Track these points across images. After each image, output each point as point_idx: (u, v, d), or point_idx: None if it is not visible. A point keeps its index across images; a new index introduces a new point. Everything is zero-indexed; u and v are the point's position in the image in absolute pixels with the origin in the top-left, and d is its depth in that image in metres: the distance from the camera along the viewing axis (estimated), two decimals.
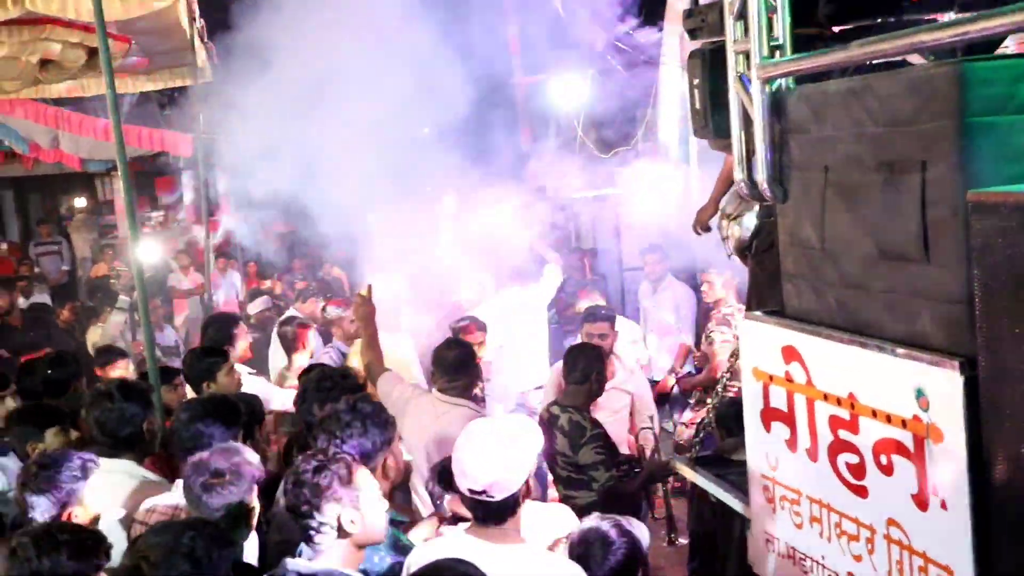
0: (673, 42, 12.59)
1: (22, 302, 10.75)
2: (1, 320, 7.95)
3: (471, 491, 2.79)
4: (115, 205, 16.31)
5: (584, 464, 4.93)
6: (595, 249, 13.52)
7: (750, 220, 3.96)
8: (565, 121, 15.93)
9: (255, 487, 3.11)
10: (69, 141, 12.99)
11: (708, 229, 4.87)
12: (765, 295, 3.77)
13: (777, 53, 3.21)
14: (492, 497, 2.77)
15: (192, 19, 8.81)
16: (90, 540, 2.63)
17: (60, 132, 12.76)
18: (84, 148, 13.24)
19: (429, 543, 2.97)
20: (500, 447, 2.81)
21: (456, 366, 4.61)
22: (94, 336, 7.18)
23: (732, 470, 3.94)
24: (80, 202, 17.03)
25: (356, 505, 2.76)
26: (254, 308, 8.87)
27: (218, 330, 5.72)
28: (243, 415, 3.79)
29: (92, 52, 9.74)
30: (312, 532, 2.72)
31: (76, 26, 8.70)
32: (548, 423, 5.01)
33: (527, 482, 2.86)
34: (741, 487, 3.66)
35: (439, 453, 3.99)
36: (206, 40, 9.72)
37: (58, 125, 12.55)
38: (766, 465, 3.36)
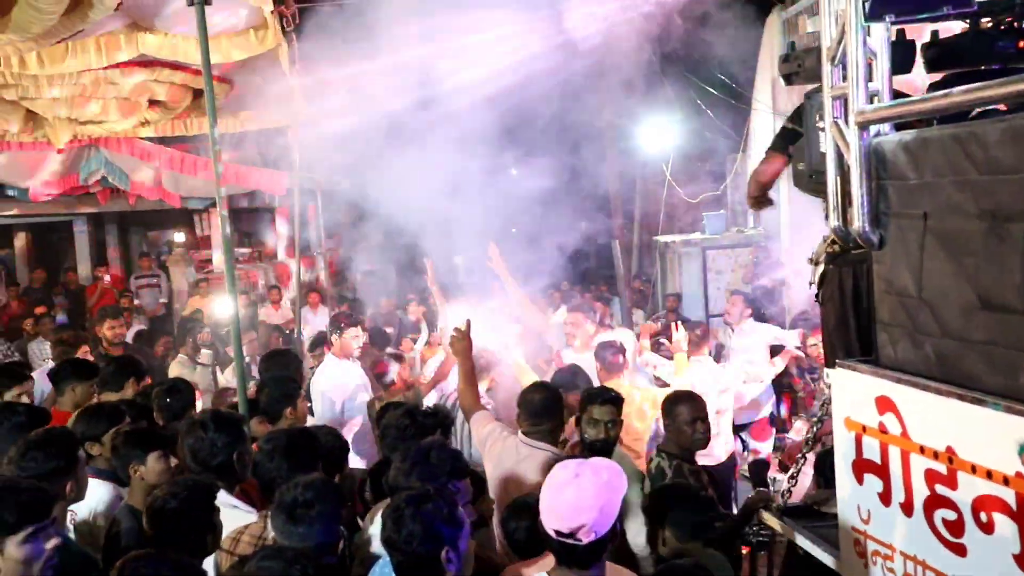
0: (765, 88, 12.54)
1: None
2: (106, 351, 8.21)
3: (558, 533, 2.73)
4: (212, 240, 16.85)
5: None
6: (679, 294, 13.40)
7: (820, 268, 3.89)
8: (654, 164, 15.94)
9: (339, 518, 3.16)
10: (170, 179, 13.51)
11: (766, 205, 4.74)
12: (835, 344, 3.70)
13: (875, 100, 3.17)
14: (579, 541, 2.70)
15: (292, 61, 9.11)
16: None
17: (162, 170, 13.29)
18: (183, 186, 13.75)
19: None
20: (593, 489, 2.73)
21: (541, 410, 4.58)
22: (177, 368, 7.40)
23: (823, 522, 3.84)
24: (179, 237, 17.62)
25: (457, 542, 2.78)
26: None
27: (284, 365, 5.83)
28: (325, 448, 3.85)
29: (196, 93, 10.20)
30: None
31: (182, 68, 9.11)
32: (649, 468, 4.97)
33: (615, 528, 2.78)
34: (831, 540, 3.56)
35: (516, 495, 3.97)
36: (304, 83, 10.03)
37: (160, 163, 13.07)
38: (858, 518, 3.27)
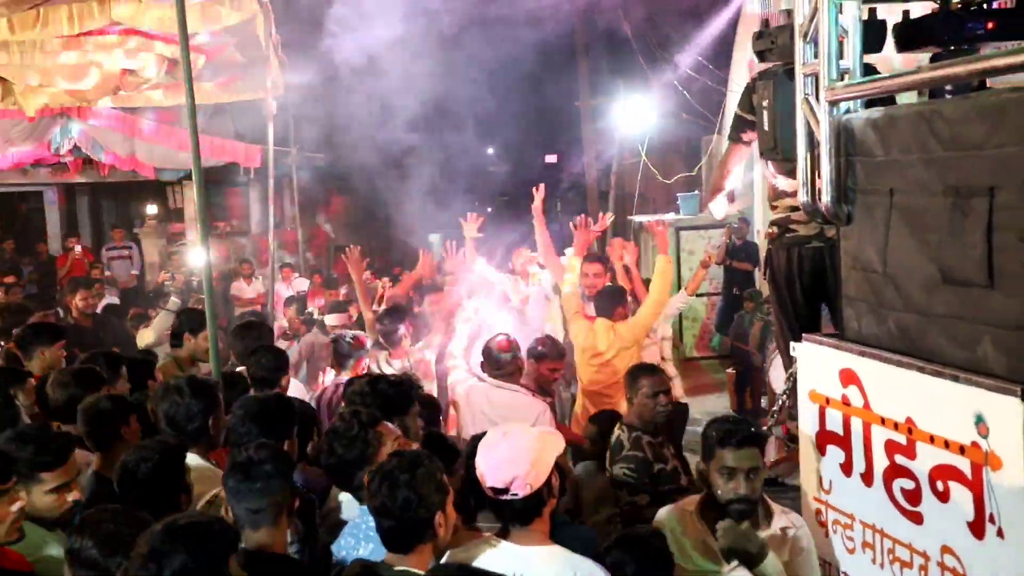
0: (741, 69, 12.59)
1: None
2: (76, 321, 8.14)
3: (494, 490, 2.80)
4: (184, 213, 16.71)
5: (616, 481, 4.90)
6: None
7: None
8: (629, 144, 15.97)
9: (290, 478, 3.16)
10: (144, 149, 13.38)
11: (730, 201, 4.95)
12: (780, 319, 3.86)
13: (846, 77, 3.22)
14: (516, 495, 2.77)
15: (269, 33, 9.03)
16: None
17: (136, 140, 13.16)
18: (158, 157, 13.62)
19: (453, 551, 2.96)
20: (524, 443, 2.84)
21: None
22: (144, 338, 7.34)
23: (786, 494, 3.91)
24: (151, 209, 17.47)
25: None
26: (330, 321, 8.94)
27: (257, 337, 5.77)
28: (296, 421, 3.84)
29: (171, 63, 10.09)
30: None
31: (157, 37, 9.00)
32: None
33: (551, 482, 2.85)
34: (797, 511, 3.63)
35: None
36: (280, 55, 9.95)
37: (135, 134, 12.94)
38: (819, 488, 3.35)
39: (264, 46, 9.10)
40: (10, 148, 12.93)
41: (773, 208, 4.36)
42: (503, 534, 2.86)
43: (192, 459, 3.48)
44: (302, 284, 13.26)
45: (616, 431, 4.99)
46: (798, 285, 4.11)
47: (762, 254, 12.36)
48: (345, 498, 3.49)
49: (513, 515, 2.83)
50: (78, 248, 15.68)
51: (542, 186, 7.33)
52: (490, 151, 26.76)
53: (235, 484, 2.94)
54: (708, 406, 10.97)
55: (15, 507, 2.86)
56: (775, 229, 4.02)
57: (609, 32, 14.72)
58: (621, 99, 15.48)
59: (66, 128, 12.66)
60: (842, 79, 3.19)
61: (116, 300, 12.29)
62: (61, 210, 18.42)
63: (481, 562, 2.75)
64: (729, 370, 10.89)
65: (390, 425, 3.44)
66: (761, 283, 12.23)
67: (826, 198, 3.25)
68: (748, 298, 10.78)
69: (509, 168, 24.34)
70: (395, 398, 3.84)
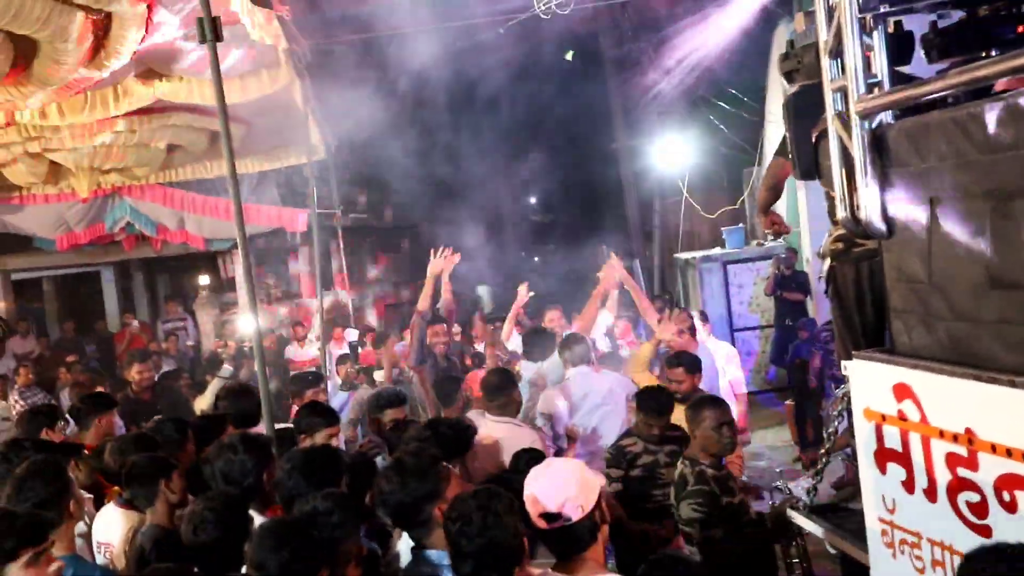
0: (776, 99, 12.59)
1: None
2: (135, 394, 8.31)
3: (547, 518, 2.79)
4: (236, 282, 17.02)
5: (686, 519, 4.82)
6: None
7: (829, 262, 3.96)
8: (670, 182, 15.97)
9: (358, 529, 3.17)
10: (193, 222, 13.71)
11: (778, 226, 4.84)
12: (844, 337, 3.76)
13: (875, 90, 3.20)
14: (569, 519, 2.78)
15: (306, 99, 9.25)
16: None
17: (185, 213, 13.49)
18: (207, 228, 13.94)
19: None
20: (567, 468, 2.93)
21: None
22: (199, 404, 7.48)
23: (851, 519, 3.82)
24: (204, 280, 17.82)
25: None
26: (379, 376, 9.03)
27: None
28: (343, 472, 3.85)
29: (213, 136, 10.37)
30: None
31: (199, 111, 9.27)
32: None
33: (601, 506, 2.87)
34: (861, 536, 3.54)
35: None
36: (318, 119, 10.18)
37: (183, 207, 13.27)
38: (883, 508, 3.26)
39: (302, 112, 9.32)
40: (67, 230, 13.34)
41: (835, 223, 4.29)
42: (559, 568, 2.84)
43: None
44: (352, 335, 13.39)
45: (679, 467, 4.93)
46: (868, 299, 4.00)
47: (813, 276, 12.27)
48: (404, 547, 3.49)
49: (568, 543, 2.82)
50: (135, 323, 16.02)
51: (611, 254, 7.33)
52: (532, 200, 26.98)
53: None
54: (769, 440, 10.80)
55: (53, 568, 2.90)
56: (840, 244, 3.90)
57: (642, 71, 14.82)
58: (658, 138, 15.52)
59: (118, 206, 13.03)
60: (871, 92, 3.17)
61: (173, 368, 12.48)
62: (118, 287, 18.86)
63: None
64: (788, 402, 10.72)
65: (449, 466, 3.45)
66: (814, 312, 12.08)
67: (865, 212, 3.21)
68: (802, 327, 10.63)
69: (551, 215, 24.49)
70: (454, 440, 3.86)
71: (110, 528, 4.02)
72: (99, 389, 7.38)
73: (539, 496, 2.84)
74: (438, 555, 2.94)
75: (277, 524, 2.82)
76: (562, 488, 2.81)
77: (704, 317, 9.09)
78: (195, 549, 3.18)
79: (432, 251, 7.33)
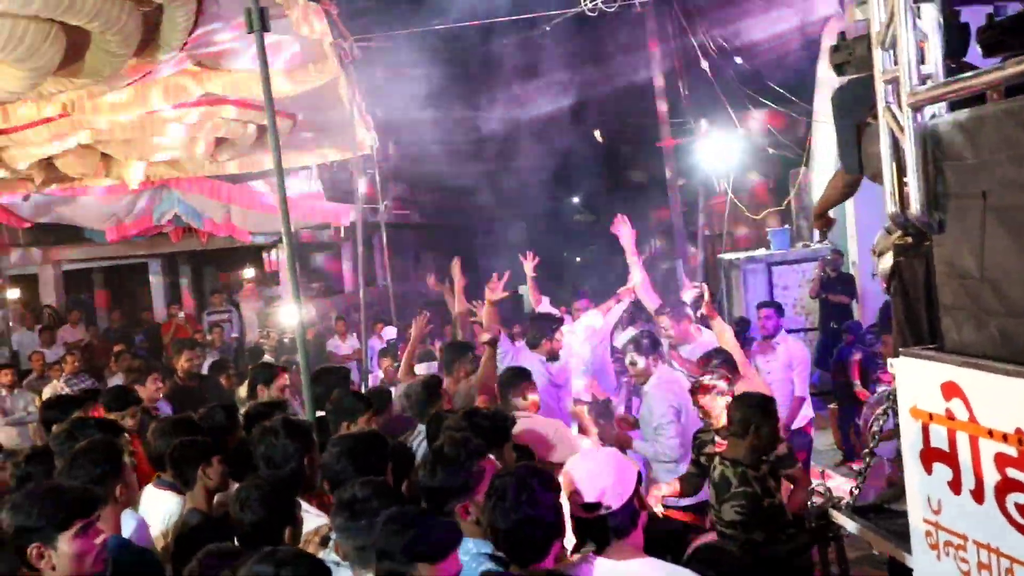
0: (825, 100, 12.42)
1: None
2: (181, 382, 8.46)
3: (586, 508, 2.80)
4: (280, 276, 17.21)
5: (727, 521, 4.77)
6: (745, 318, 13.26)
7: (889, 257, 3.84)
8: (714, 183, 15.84)
9: None
10: (239, 215, 13.86)
11: (827, 225, 4.75)
12: (906, 334, 3.65)
13: (928, 82, 3.14)
14: (609, 507, 2.79)
15: (352, 93, 9.30)
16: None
17: (231, 207, 13.65)
18: (252, 221, 14.08)
19: (562, 566, 2.96)
20: (604, 457, 2.97)
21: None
22: (241, 392, 7.60)
23: (895, 520, 3.75)
24: (248, 273, 18.05)
25: None
26: (420, 369, 9.06)
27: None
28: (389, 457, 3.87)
29: (261, 129, 10.46)
30: None
31: (247, 105, 9.35)
32: (712, 474, 4.92)
33: (639, 493, 2.88)
34: (905, 537, 3.48)
35: None
36: (365, 113, 10.22)
37: (230, 200, 13.42)
38: (928, 509, 3.19)
39: (348, 106, 9.36)
40: (116, 221, 13.56)
41: None
42: (599, 552, 2.84)
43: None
44: (391, 332, 13.46)
45: (718, 467, 4.88)
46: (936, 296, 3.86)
47: (859, 279, 12.08)
48: None
49: (608, 531, 2.82)
50: (181, 314, 16.27)
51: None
52: (575, 199, 26.93)
53: (342, 523, 3.00)
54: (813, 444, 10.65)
55: (99, 539, 2.94)
56: (910, 238, 3.79)
57: (688, 69, 14.70)
58: (704, 137, 15.40)
59: (166, 198, 13.22)
60: (924, 84, 3.10)
61: (218, 359, 12.64)
62: (164, 279, 19.15)
63: None
64: (831, 406, 10.58)
65: (492, 457, 3.45)
66: (859, 315, 11.90)
67: (915, 207, 3.15)
68: (847, 330, 10.49)
69: (594, 215, 24.41)
70: (491, 431, 3.85)
71: (148, 510, 4.08)
72: (153, 375, 7.54)
73: (578, 486, 2.85)
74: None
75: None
76: (599, 478, 2.82)
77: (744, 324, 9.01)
78: (238, 530, 3.23)
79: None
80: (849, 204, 12.16)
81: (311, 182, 13.82)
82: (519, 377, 5.59)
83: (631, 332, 8.34)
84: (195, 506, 3.88)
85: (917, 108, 3.10)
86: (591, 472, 2.86)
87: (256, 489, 3.28)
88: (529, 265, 8.57)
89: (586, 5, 11.92)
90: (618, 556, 2.81)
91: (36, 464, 4.14)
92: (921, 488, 3.24)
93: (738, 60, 13.12)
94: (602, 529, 2.83)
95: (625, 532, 2.83)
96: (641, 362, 6.13)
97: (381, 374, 10.14)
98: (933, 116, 3.15)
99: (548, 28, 12.45)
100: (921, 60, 3.13)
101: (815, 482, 5.29)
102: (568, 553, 3.10)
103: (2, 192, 11.98)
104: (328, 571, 2.63)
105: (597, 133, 18.04)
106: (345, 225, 14.01)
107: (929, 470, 3.18)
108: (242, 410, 5.39)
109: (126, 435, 4.82)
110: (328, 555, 3.19)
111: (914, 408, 3.25)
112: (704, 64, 13.30)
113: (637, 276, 7.57)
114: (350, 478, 3.30)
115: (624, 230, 7.56)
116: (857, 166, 3.82)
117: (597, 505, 2.79)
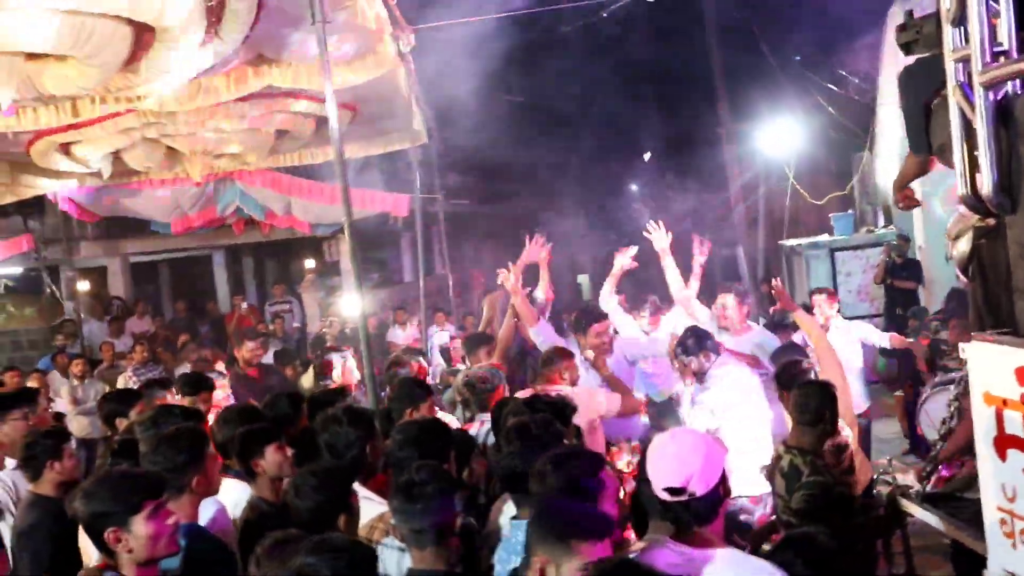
0: (891, 82, 12.15)
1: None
2: (244, 371, 8.60)
3: (671, 491, 2.72)
4: (340, 266, 17.40)
5: (796, 510, 4.71)
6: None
7: (964, 241, 3.74)
8: (776, 167, 15.62)
9: (453, 499, 3.20)
10: (300, 207, 14.04)
11: (910, 203, 4.58)
12: (984, 318, 3.54)
13: (1001, 59, 3.05)
14: (694, 493, 2.70)
15: (410, 85, 9.35)
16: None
17: (293, 199, 13.83)
18: (313, 213, 14.26)
19: (630, 553, 2.91)
20: (691, 440, 2.86)
21: None
22: (305, 381, 7.71)
23: (966, 508, 3.67)
24: (309, 264, 18.27)
25: None
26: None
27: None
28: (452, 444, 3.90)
29: (320, 121, 10.57)
30: None
31: (307, 97, 9.45)
32: (773, 463, 4.84)
33: (725, 480, 2.80)
34: (977, 525, 3.40)
35: None
36: (422, 105, 10.28)
37: (291, 192, 13.60)
38: (1003, 496, 3.12)
39: (406, 97, 9.42)
40: (182, 212, 13.85)
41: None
42: (678, 539, 2.77)
43: (359, 490, 3.59)
44: (444, 336, 13.46)
45: (786, 456, 4.81)
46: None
47: (926, 263, 11.80)
48: (505, 521, 3.52)
49: (692, 516, 2.75)
50: (244, 305, 16.54)
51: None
52: (633, 187, 26.74)
53: (399, 505, 3.02)
54: (878, 432, 10.48)
55: (171, 520, 3.01)
56: (991, 220, 3.68)
57: (748, 53, 14.48)
58: (765, 121, 15.18)
59: (229, 190, 13.45)
60: (996, 61, 3.01)
61: (281, 348, 12.83)
62: (228, 270, 19.49)
63: (656, 563, 2.62)
64: (897, 393, 10.39)
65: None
66: (926, 301, 11.65)
67: (987, 187, 3.06)
68: (913, 316, 10.29)
69: (654, 203, 24.22)
70: (555, 416, 3.87)
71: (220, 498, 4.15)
72: (219, 363, 7.69)
73: (663, 472, 2.78)
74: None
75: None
76: (686, 463, 2.74)
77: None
78: (295, 515, 3.27)
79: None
80: (916, 187, 11.90)
81: (370, 173, 13.94)
82: (560, 355, 5.78)
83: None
84: (260, 494, 3.93)
85: (989, 86, 3.02)
86: (679, 455, 2.78)
87: (312, 476, 3.32)
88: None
89: None
90: (698, 544, 2.73)
91: (122, 456, 4.23)
92: (996, 475, 3.16)
93: (797, 49, 12.89)
94: (684, 514, 2.75)
95: (707, 519, 2.76)
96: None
97: (442, 363, 10.20)
98: (1005, 95, 3.06)
99: (605, 15, 12.37)
100: (993, 36, 3.05)
101: (881, 468, 5.22)
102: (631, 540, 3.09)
103: (73, 187, 12.29)
104: (374, 558, 2.68)
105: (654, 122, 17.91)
106: (404, 215, 14.11)
107: (1004, 457, 3.10)
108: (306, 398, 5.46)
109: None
110: (392, 542, 3.23)
111: (987, 394, 3.17)
112: (765, 46, 13.11)
113: (695, 285, 7.47)
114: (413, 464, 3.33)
115: (657, 236, 7.44)
116: (926, 146, 3.73)
117: (682, 490, 2.71)
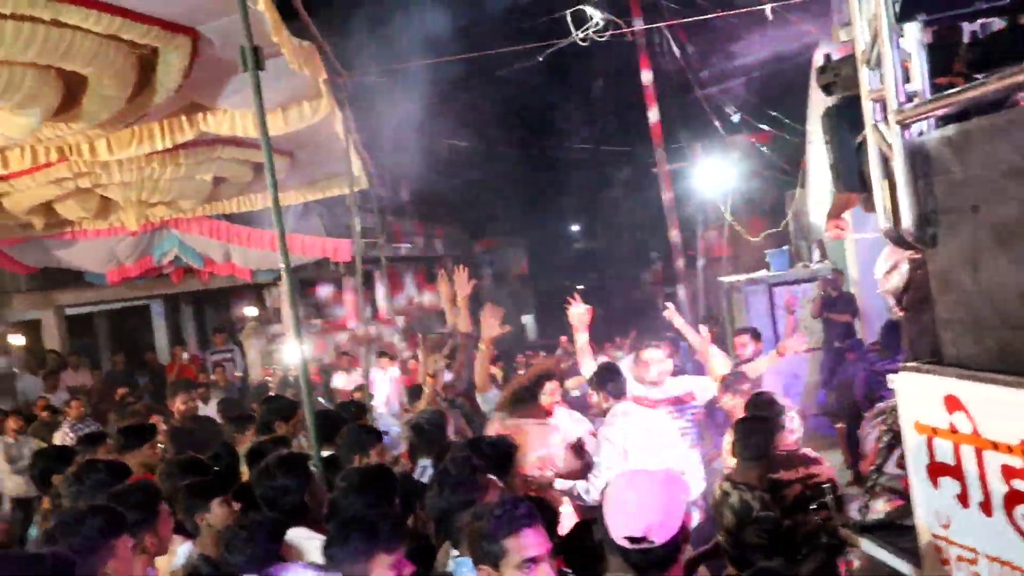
0: (818, 121, 12.46)
1: (201, 407, 11.36)
2: (180, 424, 8.45)
3: (631, 540, 2.69)
4: (282, 313, 17.22)
5: (750, 545, 4.74)
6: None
7: (897, 274, 3.86)
8: (711, 206, 15.89)
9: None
10: (239, 254, 13.89)
11: (839, 230, 4.72)
12: (918, 348, 3.64)
13: (915, 100, 3.16)
14: (652, 543, 2.67)
15: (348, 130, 9.36)
16: None
17: (231, 246, 13.69)
18: (253, 260, 14.12)
19: None
20: (652, 488, 2.76)
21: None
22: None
23: (904, 536, 3.72)
24: (250, 311, 18.05)
25: None
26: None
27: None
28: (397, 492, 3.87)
29: (257, 168, 10.52)
30: None
31: (243, 144, 9.42)
32: (721, 499, 4.87)
33: (685, 526, 2.76)
34: (915, 553, 3.46)
35: None
36: (360, 149, 10.28)
37: (229, 239, 13.46)
38: (937, 524, 3.18)
39: (343, 142, 9.42)
40: (117, 263, 13.60)
41: None
42: None
43: (302, 532, 3.53)
44: (393, 374, 13.39)
45: (732, 492, 4.84)
46: None
47: (860, 297, 12.06)
48: (448, 560, 3.50)
49: (650, 563, 2.73)
50: (185, 355, 16.25)
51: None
52: (574, 228, 27.00)
53: (334, 552, 2.98)
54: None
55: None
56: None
57: (682, 95, 14.78)
58: (700, 161, 15.47)
59: (166, 239, 13.26)
60: (910, 101, 3.13)
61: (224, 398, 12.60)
62: (167, 320, 19.17)
63: None
64: (839, 425, 10.55)
65: (494, 478, 3.45)
66: (862, 333, 11.89)
67: (907, 222, 3.16)
68: (850, 349, 10.48)
69: (594, 242, 24.46)
70: (495, 458, 3.86)
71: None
72: (154, 419, 7.54)
73: (621, 520, 2.74)
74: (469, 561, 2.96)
75: None
76: (647, 512, 2.70)
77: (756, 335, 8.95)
78: (228, 570, 3.21)
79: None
80: (848, 217, 12.18)
81: (309, 219, 13.87)
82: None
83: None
84: (203, 550, 3.84)
85: (904, 125, 3.13)
86: (639, 503, 2.73)
87: (242, 530, 3.26)
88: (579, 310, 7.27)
89: (578, 35, 12.00)
90: None
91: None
92: (929, 503, 3.22)
93: (728, 87, 13.21)
94: (643, 560, 2.72)
95: (666, 566, 2.73)
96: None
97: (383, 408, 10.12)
98: (920, 133, 3.17)
99: (540, 59, 12.54)
100: (906, 78, 3.16)
101: (826, 499, 5.27)
102: None
103: (3, 239, 12.04)
104: None
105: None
106: (345, 260, 14.04)
107: (936, 484, 3.17)
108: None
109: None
110: None
111: (917, 423, 3.24)
112: (697, 91, 13.41)
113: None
114: (359, 511, 3.30)
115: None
116: (857, 184, 3.83)
117: (641, 539, 2.68)
